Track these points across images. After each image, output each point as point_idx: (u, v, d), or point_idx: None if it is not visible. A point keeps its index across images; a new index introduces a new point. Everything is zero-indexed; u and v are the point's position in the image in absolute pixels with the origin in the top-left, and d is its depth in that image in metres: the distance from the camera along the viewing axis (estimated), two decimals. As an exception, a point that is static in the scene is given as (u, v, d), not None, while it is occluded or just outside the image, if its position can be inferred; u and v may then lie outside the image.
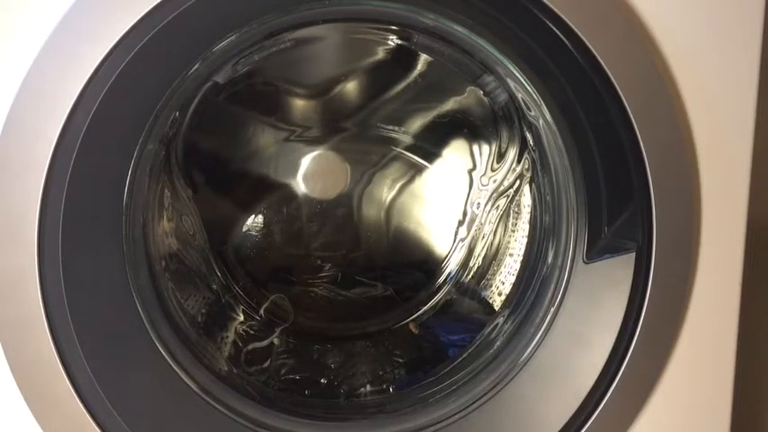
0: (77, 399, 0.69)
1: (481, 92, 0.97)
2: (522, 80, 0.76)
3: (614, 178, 0.74)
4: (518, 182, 0.99)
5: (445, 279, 1.09)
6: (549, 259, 0.85)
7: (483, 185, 1.04)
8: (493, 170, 1.03)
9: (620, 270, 0.74)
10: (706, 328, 0.77)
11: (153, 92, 0.69)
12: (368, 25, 0.92)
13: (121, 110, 0.67)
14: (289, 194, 1.05)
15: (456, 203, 1.06)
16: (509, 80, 0.84)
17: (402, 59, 0.99)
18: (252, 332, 1.01)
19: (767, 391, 0.99)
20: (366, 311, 1.08)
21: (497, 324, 0.92)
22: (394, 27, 0.90)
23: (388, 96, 1.02)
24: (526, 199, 0.99)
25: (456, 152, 1.06)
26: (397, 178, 1.08)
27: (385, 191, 1.08)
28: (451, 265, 1.08)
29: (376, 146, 1.06)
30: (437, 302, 1.08)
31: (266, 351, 0.99)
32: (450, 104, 1.03)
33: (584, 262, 0.77)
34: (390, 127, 1.05)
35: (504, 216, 1.03)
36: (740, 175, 0.75)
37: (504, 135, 1.00)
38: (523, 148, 0.96)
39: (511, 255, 1.01)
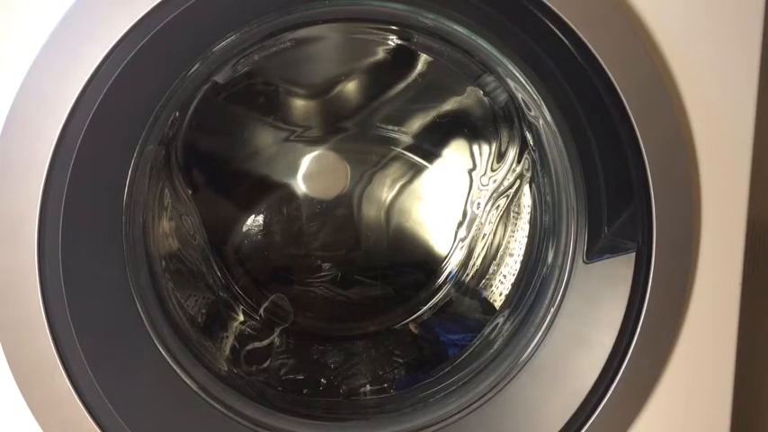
0: (77, 399, 0.69)
1: (481, 92, 0.97)
2: (522, 80, 0.77)
3: (614, 178, 0.74)
4: (518, 182, 0.99)
5: (445, 279, 1.09)
6: (549, 259, 0.85)
7: (483, 185, 1.04)
8: (493, 170, 1.03)
9: (620, 270, 0.74)
10: (706, 328, 0.77)
11: (153, 92, 0.69)
12: (368, 25, 0.92)
13: (121, 110, 0.67)
14: (289, 194, 1.05)
15: (456, 203, 1.06)
16: (509, 80, 0.84)
17: (402, 59, 0.99)
18: (252, 332, 1.01)
19: (767, 391, 0.99)
20: (366, 311, 1.09)
21: (497, 324, 0.92)
22: (394, 27, 0.90)
23: (388, 96, 1.02)
24: (526, 199, 0.99)
25: (456, 152, 1.06)
26: (397, 178, 1.08)
27: (385, 191, 1.08)
28: (451, 265, 1.08)
29: (376, 146, 1.06)
30: (437, 302, 1.08)
31: (266, 351, 0.99)
32: (451, 104, 1.03)
33: (584, 262, 0.77)
34: (390, 127, 1.05)
35: (504, 216, 1.03)
36: (740, 175, 0.75)
37: (504, 135, 1.00)
38: (523, 148, 0.96)
39: (511, 255, 1.01)
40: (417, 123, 1.05)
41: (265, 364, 0.97)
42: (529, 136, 0.93)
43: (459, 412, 0.80)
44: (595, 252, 0.77)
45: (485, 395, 0.80)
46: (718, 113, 0.73)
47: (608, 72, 0.69)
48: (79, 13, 0.65)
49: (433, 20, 0.75)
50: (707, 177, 0.74)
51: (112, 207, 0.70)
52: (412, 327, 1.07)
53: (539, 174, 0.92)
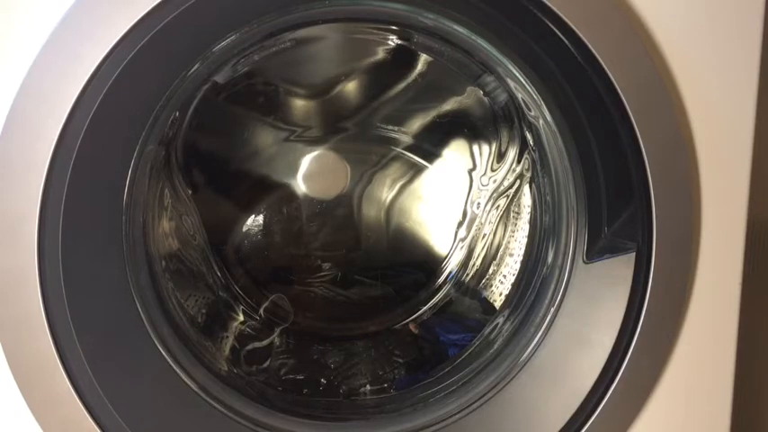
0: (77, 399, 0.69)
1: (481, 92, 0.97)
2: (522, 80, 0.76)
3: (614, 178, 0.74)
4: (518, 182, 0.99)
5: (445, 279, 1.09)
6: (549, 259, 0.85)
7: (483, 185, 1.04)
8: (493, 170, 1.03)
9: (620, 270, 0.74)
10: (706, 328, 0.77)
11: (153, 92, 0.69)
12: (368, 25, 0.92)
13: (121, 110, 0.67)
14: (289, 194, 1.05)
15: (456, 203, 1.06)
16: (509, 80, 0.84)
17: (402, 59, 0.99)
18: (252, 332, 1.01)
19: (767, 391, 0.99)
20: (366, 311, 1.08)
21: (497, 324, 0.92)
22: (394, 27, 0.90)
23: (388, 96, 1.02)
24: (526, 199, 0.99)
25: (456, 152, 1.06)
26: (396, 178, 1.08)
27: (385, 191, 1.08)
28: (451, 265, 1.08)
29: (376, 146, 1.06)
30: (437, 302, 1.08)
31: (266, 351, 0.99)
32: (450, 104, 1.03)
33: (584, 262, 0.77)
34: (390, 127, 1.05)
35: (504, 216, 1.03)
36: (740, 175, 0.75)
37: (504, 135, 1.00)
38: (523, 148, 0.96)
39: (511, 255, 1.01)
40: (417, 123, 1.05)
41: (265, 364, 0.97)
42: (529, 136, 0.93)
43: (459, 412, 0.80)
44: (595, 252, 0.77)
45: (485, 395, 0.80)
46: (718, 113, 0.73)
47: (608, 72, 0.69)
48: (79, 13, 0.65)
49: (433, 20, 0.75)
50: (707, 177, 0.74)
51: (112, 207, 0.70)
52: (412, 327, 1.07)
53: (539, 174, 0.92)
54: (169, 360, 0.74)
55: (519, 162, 0.98)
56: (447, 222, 1.08)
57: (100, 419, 0.70)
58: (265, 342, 1.00)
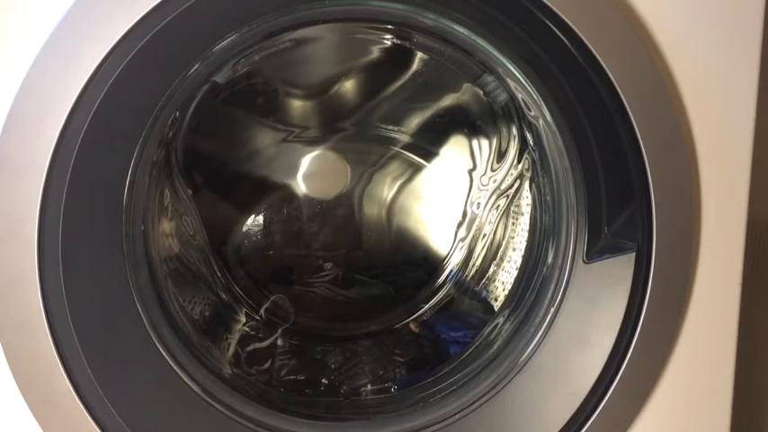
0: (77, 399, 0.69)
1: (481, 92, 0.97)
2: (522, 80, 0.76)
3: (614, 178, 0.74)
4: (518, 182, 0.99)
5: (446, 278, 1.09)
6: (549, 259, 0.85)
7: (483, 185, 1.04)
8: (493, 170, 1.03)
9: (620, 270, 0.74)
10: (706, 328, 0.77)
11: (153, 92, 0.69)
12: (367, 25, 0.92)
13: (121, 110, 0.67)
14: (289, 194, 1.05)
15: (456, 203, 1.06)
16: (509, 80, 0.84)
17: (401, 59, 0.99)
18: (253, 333, 1.01)
19: (767, 392, 0.99)
20: (367, 311, 1.09)
21: (497, 324, 0.92)
22: (394, 27, 0.90)
23: (387, 95, 1.02)
24: (526, 199, 0.99)
25: (456, 152, 1.06)
26: (396, 178, 1.08)
27: (385, 190, 1.08)
28: (452, 265, 1.09)
29: (376, 145, 1.06)
30: (438, 301, 1.08)
31: (267, 352, 0.99)
32: (448, 101, 1.03)
33: (584, 262, 0.77)
34: (390, 126, 1.05)
35: (504, 216, 1.03)
36: (740, 175, 0.75)
37: (504, 135, 1.00)
38: (523, 147, 0.96)
39: (511, 254, 1.01)
40: (416, 122, 1.05)
41: (267, 365, 0.97)
42: (529, 136, 0.93)
43: (459, 412, 0.80)
44: (595, 252, 0.77)
45: (485, 395, 0.80)
46: (718, 113, 0.73)
47: (608, 72, 0.69)
48: (79, 13, 0.65)
49: (433, 20, 0.75)
50: (707, 177, 0.74)
51: (112, 207, 0.70)
52: (413, 326, 1.07)
53: (539, 173, 0.92)
54: (169, 360, 0.74)
55: (519, 162, 0.98)
56: (447, 222, 1.08)
57: (100, 419, 0.70)
58: (266, 343, 1.00)
